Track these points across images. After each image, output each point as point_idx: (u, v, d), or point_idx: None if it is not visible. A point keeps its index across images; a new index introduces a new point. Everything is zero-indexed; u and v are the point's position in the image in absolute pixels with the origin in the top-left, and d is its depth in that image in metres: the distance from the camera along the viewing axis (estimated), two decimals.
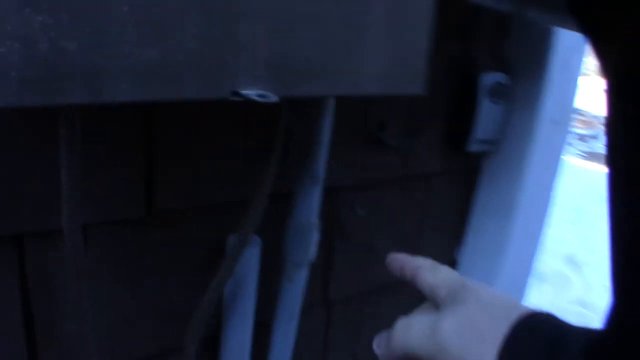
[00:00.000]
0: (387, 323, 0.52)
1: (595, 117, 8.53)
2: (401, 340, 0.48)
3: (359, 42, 0.62)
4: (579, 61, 1.22)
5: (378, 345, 0.52)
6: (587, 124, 8.45)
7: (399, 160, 1.09)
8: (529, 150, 1.20)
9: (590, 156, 7.24)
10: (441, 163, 1.18)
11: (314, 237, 0.88)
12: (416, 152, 1.12)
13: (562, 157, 1.29)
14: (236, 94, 0.55)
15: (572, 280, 3.84)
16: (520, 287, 1.41)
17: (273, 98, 0.55)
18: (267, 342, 1.01)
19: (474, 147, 1.16)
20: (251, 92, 0.55)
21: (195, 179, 0.82)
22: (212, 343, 0.99)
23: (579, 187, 5.40)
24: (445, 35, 1.05)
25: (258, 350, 1.04)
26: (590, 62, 1.97)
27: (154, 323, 0.88)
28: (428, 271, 0.54)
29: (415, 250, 0.98)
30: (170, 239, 0.84)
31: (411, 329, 0.48)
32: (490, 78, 1.12)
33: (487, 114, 1.14)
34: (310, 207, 0.87)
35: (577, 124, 8.02)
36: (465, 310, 0.45)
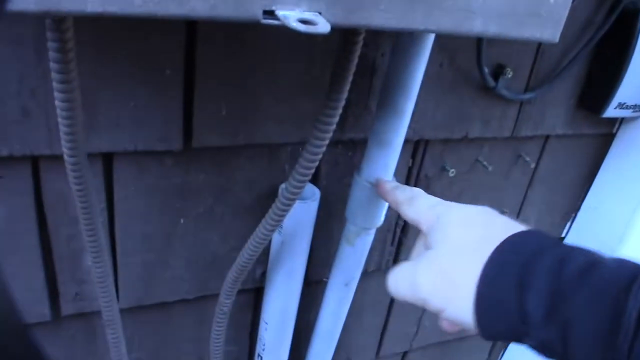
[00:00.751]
0: None
1: None
2: (395, 295, 0.51)
3: None
4: None
5: None
6: None
7: (512, 115, 0.88)
8: None
9: None
10: (565, 125, 0.95)
11: (383, 202, 0.72)
12: (536, 109, 0.90)
13: None
14: (270, 14, 0.38)
15: None
16: None
17: (322, 27, 0.37)
18: (318, 304, 0.88)
19: (611, 112, 0.91)
20: (292, 14, 0.38)
21: (245, 113, 0.66)
22: (257, 295, 0.88)
23: None
24: None
25: (306, 310, 0.92)
26: None
27: (190, 267, 0.77)
28: (406, 205, 0.57)
29: None
30: (213, 179, 0.71)
31: (397, 282, 0.50)
32: None
33: (638, 74, 0.88)
34: (384, 164, 0.69)
35: None
36: (436, 257, 0.47)
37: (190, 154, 0.68)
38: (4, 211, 0.63)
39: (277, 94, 0.67)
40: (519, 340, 0.42)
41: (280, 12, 0.37)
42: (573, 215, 1.14)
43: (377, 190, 0.67)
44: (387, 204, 0.73)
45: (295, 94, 0.68)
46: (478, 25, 0.46)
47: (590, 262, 0.39)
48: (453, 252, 0.46)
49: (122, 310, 0.73)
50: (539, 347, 0.41)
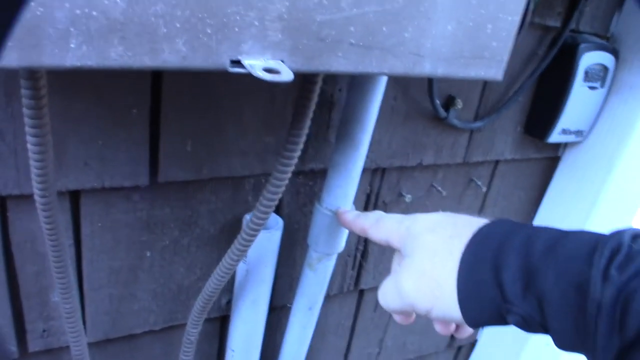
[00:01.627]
0: None
1: None
2: (386, 308, 0.54)
3: (419, 8, 0.46)
4: None
5: None
6: None
7: (463, 143, 0.93)
8: (623, 147, 1.01)
9: None
10: (513, 150, 1.01)
11: (344, 228, 0.75)
12: (485, 136, 0.95)
13: None
14: (237, 63, 0.41)
15: None
16: None
17: (286, 75, 0.41)
18: (283, 329, 0.90)
19: (556, 137, 0.97)
20: (257, 64, 0.41)
21: (209, 148, 0.69)
22: (223, 323, 0.89)
23: None
24: (543, 1, 0.86)
25: (272, 335, 0.94)
26: None
27: (157, 298, 0.78)
28: (374, 228, 0.60)
29: None
30: (179, 212, 0.73)
31: (386, 296, 0.54)
32: (591, 58, 0.92)
33: (579, 101, 0.94)
34: (344, 192, 0.73)
35: None
36: (414, 263, 0.50)
37: (156, 188, 0.69)
38: None
39: (240, 129, 0.70)
40: (504, 320, 0.45)
41: (246, 62, 0.40)
42: None
43: (340, 221, 0.70)
44: (347, 230, 0.76)
45: (258, 128, 0.71)
46: (427, 68, 0.50)
47: (556, 237, 0.43)
48: (429, 254, 0.49)
49: (89, 344, 0.74)
50: (521, 323, 0.44)
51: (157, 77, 0.62)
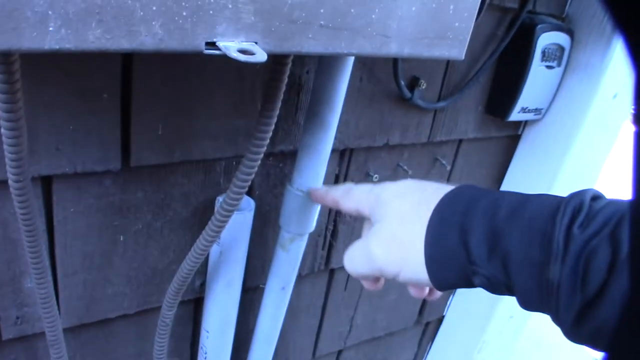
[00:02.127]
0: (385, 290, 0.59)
1: None
2: (353, 272, 0.56)
3: None
4: None
5: None
6: None
7: (427, 123, 0.95)
8: (580, 124, 1.05)
9: None
10: (475, 129, 1.04)
11: (314, 208, 0.77)
12: (448, 116, 0.98)
13: (617, 136, 1.13)
14: (212, 45, 0.42)
15: None
16: None
17: (260, 56, 0.42)
18: (256, 309, 0.92)
19: (516, 116, 1.01)
20: (232, 45, 0.42)
21: (180, 131, 0.70)
22: (197, 305, 0.90)
23: None
24: None
25: (245, 316, 0.96)
26: None
27: (131, 282, 0.79)
28: (345, 198, 0.62)
29: None
30: (151, 196, 0.74)
31: (353, 260, 0.55)
32: (547, 38, 0.95)
33: (537, 80, 0.98)
34: (314, 173, 0.75)
35: None
36: (384, 227, 0.52)
37: (129, 173, 0.70)
38: None
39: (211, 112, 0.70)
40: (470, 282, 0.47)
41: (221, 44, 0.42)
42: None
43: (312, 198, 0.72)
44: (318, 210, 0.78)
45: (228, 111, 0.72)
46: (394, 48, 0.51)
47: (520, 200, 0.45)
48: (397, 219, 0.51)
49: (64, 330, 0.74)
50: (487, 284, 0.46)
51: (127, 62, 0.62)
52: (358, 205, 0.59)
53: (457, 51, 0.56)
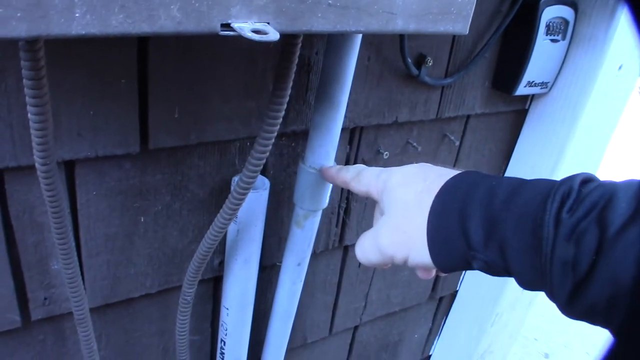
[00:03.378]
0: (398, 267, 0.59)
1: None
2: (365, 262, 0.59)
3: None
4: None
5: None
6: None
7: (435, 100, 0.97)
8: (586, 96, 1.06)
9: None
10: (483, 105, 1.05)
11: (327, 185, 0.79)
12: (456, 92, 0.99)
13: (624, 108, 1.14)
14: (227, 27, 0.44)
15: None
16: None
17: (273, 35, 0.44)
18: (273, 286, 0.95)
19: (522, 90, 1.02)
20: (245, 26, 0.44)
21: (195, 114, 0.72)
22: (216, 284, 0.93)
23: None
24: None
25: (263, 293, 0.99)
26: None
27: (152, 262, 0.82)
28: (355, 181, 0.65)
29: None
30: (169, 177, 0.76)
31: (365, 251, 0.59)
32: (551, 12, 0.96)
33: (542, 54, 0.99)
34: (326, 151, 0.77)
35: None
36: (390, 218, 0.55)
37: (147, 155, 0.72)
38: None
39: (224, 94, 0.73)
40: (470, 265, 0.50)
41: (235, 25, 0.44)
42: None
43: (324, 177, 0.75)
44: (330, 187, 0.80)
45: (241, 94, 0.74)
46: (399, 25, 0.53)
47: (515, 186, 0.47)
48: (402, 209, 0.54)
49: (89, 310, 0.77)
50: (485, 268, 0.49)
51: (143, 49, 0.65)
52: (368, 189, 0.62)
53: (461, 26, 0.58)
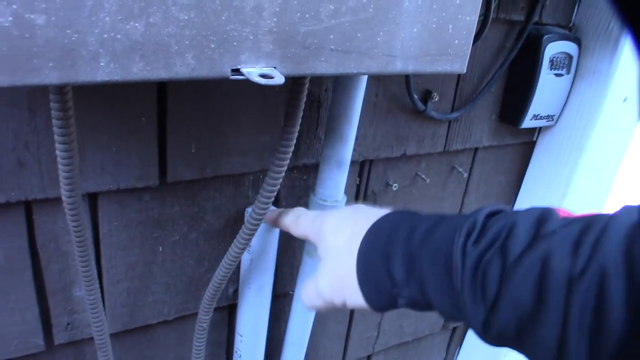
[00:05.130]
0: None
1: None
2: (310, 306, 0.62)
3: (388, 15, 0.54)
4: None
5: None
6: None
7: (442, 133, 1.01)
8: (592, 128, 1.09)
9: None
10: (490, 137, 1.09)
11: None
12: (463, 126, 1.03)
13: (631, 138, 1.16)
14: (237, 72, 0.48)
15: None
16: None
17: (278, 79, 0.48)
18: (286, 315, 0.97)
19: (528, 123, 1.05)
20: (254, 71, 0.48)
21: (212, 149, 0.76)
22: (231, 311, 0.96)
23: None
24: None
25: (277, 321, 1.02)
26: None
27: (170, 290, 0.86)
28: (293, 226, 0.69)
29: None
30: (186, 209, 0.80)
31: (308, 295, 0.61)
32: (555, 47, 1.00)
33: (547, 88, 1.02)
34: (335, 184, 0.80)
35: None
36: (326, 266, 0.58)
37: (166, 188, 0.77)
38: (1, 253, 0.71)
39: (239, 130, 0.77)
40: (397, 303, 0.51)
41: (244, 70, 0.48)
42: None
43: (267, 221, 0.77)
44: None
45: (254, 129, 0.78)
46: (399, 66, 0.57)
47: (434, 224, 0.49)
48: (335, 255, 0.57)
49: (109, 335, 0.81)
50: (410, 304, 0.51)
51: (162, 88, 0.69)
52: (306, 234, 0.66)
53: (459, 65, 0.62)
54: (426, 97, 0.92)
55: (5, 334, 0.74)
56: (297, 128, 0.67)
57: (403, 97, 0.91)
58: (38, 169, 0.67)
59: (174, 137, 0.73)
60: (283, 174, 0.70)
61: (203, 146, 0.75)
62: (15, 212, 0.69)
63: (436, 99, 0.92)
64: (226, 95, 0.74)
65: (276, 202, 0.88)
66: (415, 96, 0.90)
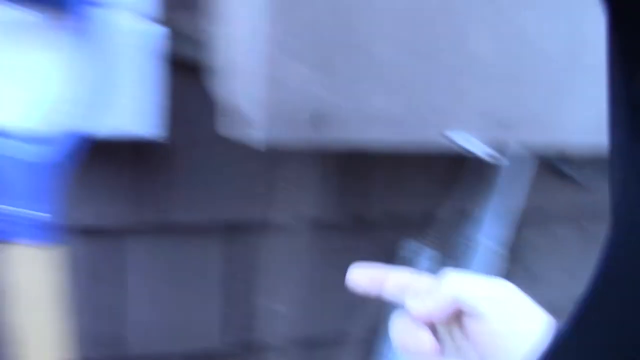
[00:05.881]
0: None
1: None
2: None
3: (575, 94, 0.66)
4: None
5: None
6: None
7: (581, 193, 1.04)
8: None
9: None
10: None
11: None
12: (601, 185, 1.07)
13: None
14: (447, 138, 0.61)
15: None
16: None
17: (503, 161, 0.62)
18: None
19: None
20: (480, 150, 0.62)
21: (397, 197, 0.90)
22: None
23: None
24: None
25: None
26: None
27: (334, 312, 0.94)
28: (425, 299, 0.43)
29: None
30: (365, 243, 0.92)
31: None
32: None
33: None
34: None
35: None
36: None
37: None
38: None
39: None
40: None
41: (458, 141, 0.62)
42: None
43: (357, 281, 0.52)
44: None
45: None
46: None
47: None
48: None
49: None
50: None
51: None
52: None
53: None
54: (563, 154, 0.95)
55: None
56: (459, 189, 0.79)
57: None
58: None
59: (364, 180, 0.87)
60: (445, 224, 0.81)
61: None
62: None
63: (573, 157, 0.99)
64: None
65: None
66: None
